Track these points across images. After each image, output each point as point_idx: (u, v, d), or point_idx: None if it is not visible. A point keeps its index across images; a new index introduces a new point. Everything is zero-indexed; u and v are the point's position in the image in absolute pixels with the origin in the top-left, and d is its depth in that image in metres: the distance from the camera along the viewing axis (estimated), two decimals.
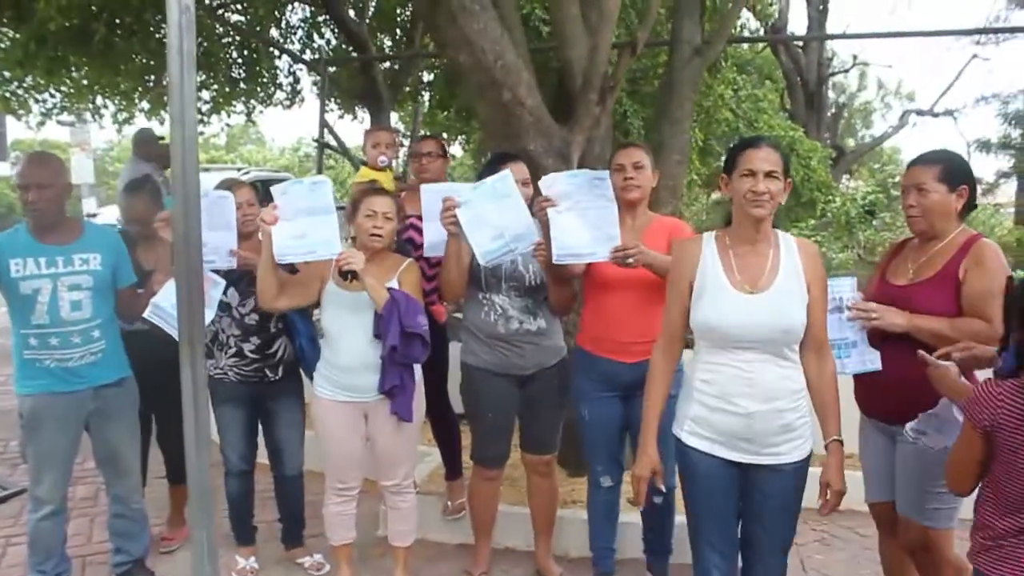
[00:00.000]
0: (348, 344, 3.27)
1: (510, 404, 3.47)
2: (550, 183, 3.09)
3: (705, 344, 2.53)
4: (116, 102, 10.34)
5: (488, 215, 3.10)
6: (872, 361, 2.77)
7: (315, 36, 10.66)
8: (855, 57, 23.10)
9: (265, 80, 10.66)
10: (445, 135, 11.45)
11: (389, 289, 3.17)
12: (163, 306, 3.27)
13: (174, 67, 1.90)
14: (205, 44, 9.16)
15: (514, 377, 3.42)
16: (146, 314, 3.29)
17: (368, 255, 3.17)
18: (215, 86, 10.16)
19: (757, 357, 2.42)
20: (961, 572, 2.81)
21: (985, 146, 15.65)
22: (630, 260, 2.98)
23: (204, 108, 10.29)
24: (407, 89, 10.95)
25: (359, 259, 3.09)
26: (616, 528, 3.57)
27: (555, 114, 4.19)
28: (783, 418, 2.44)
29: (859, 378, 2.85)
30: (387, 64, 10.53)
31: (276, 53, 10.45)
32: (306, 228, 3.15)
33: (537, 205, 3.06)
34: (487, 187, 3.11)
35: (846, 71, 23.51)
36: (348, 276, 3.09)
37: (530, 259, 3.32)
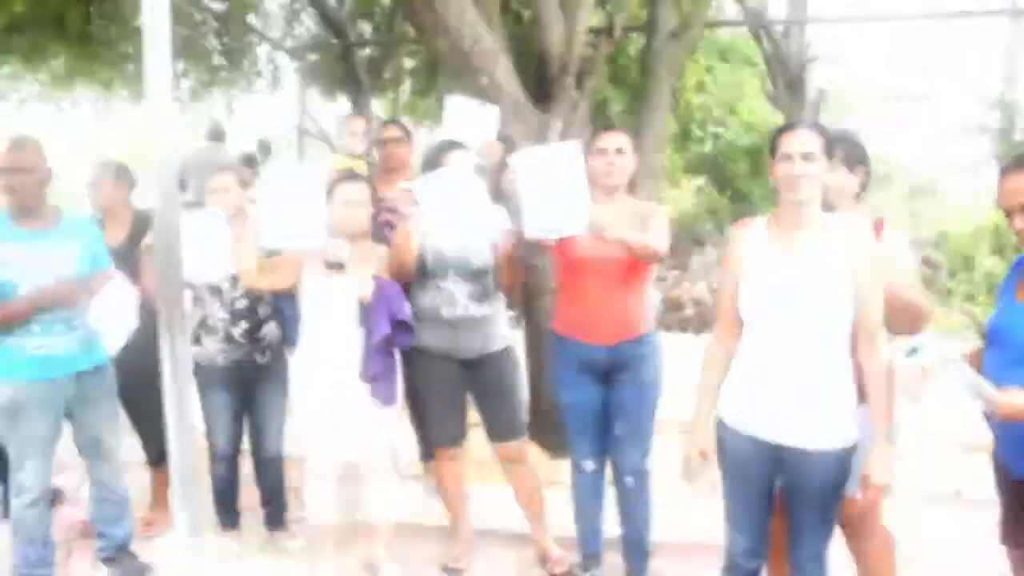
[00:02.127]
0: (328, 331, 3.27)
1: (456, 383, 3.49)
2: (518, 159, 3.06)
3: (748, 324, 2.56)
4: (95, 90, 10.25)
5: (454, 203, 3.09)
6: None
7: (294, 23, 10.61)
8: (834, 42, 23.21)
9: (245, 68, 10.60)
10: (428, 122, 11.43)
11: (376, 278, 3.19)
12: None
13: (149, 50, 1.90)
14: (186, 31, 9.10)
15: (456, 360, 3.44)
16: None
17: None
18: (194, 74, 10.09)
19: (794, 339, 2.43)
20: (887, 541, 2.91)
21: (963, 130, 15.70)
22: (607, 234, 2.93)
23: (184, 96, 10.21)
24: (387, 76, 10.93)
25: (346, 251, 3.10)
26: (603, 509, 3.53)
27: (536, 99, 4.21)
28: (815, 403, 2.44)
29: None
30: (367, 51, 10.50)
31: (256, 41, 10.39)
32: (293, 214, 3.11)
33: (505, 179, 3.05)
34: (453, 177, 3.11)
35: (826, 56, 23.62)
36: (335, 267, 3.10)
37: (477, 244, 3.32)
